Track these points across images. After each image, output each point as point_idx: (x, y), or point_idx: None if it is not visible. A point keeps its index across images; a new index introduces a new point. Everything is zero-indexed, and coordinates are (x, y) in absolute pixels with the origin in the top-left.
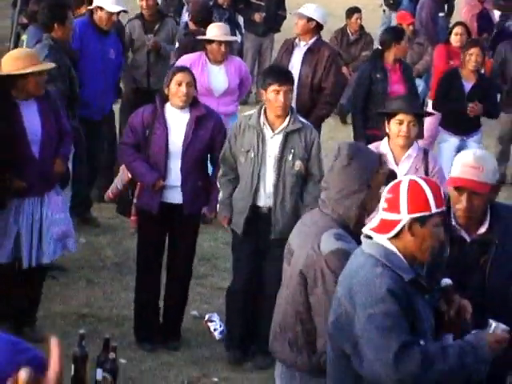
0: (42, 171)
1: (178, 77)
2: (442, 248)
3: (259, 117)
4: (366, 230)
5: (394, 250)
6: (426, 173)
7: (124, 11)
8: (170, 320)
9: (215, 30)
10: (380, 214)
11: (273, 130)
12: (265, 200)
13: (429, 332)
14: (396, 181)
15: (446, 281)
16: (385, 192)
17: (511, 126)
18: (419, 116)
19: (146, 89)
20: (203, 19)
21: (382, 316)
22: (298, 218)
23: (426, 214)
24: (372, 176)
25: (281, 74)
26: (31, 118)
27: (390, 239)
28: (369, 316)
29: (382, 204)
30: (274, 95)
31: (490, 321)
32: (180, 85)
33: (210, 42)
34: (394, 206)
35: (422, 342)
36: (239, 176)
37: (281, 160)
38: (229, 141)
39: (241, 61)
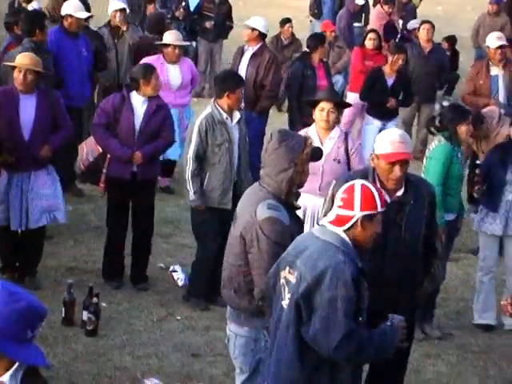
0: (29, 152)
1: (157, 74)
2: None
3: (220, 113)
4: (323, 222)
5: (348, 240)
6: (346, 150)
7: (90, 17)
8: (138, 267)
9: (170, 37)
10: (335, 210)
11: (231, 121)
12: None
13: (365, 310)
14: (350, 183)
15: None
16: (340, 193)
17: (412, 112)
18: (338, 105)
19: (117, 81)
20: (157, 29)
21: (341, 300)
22: None
23: (374, 212)
24: (298, 156)
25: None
26: (27, 108)
27: (344, 231)
28: (332, 297)
29: (338, 202)
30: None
31: (390, 315)
32: (157, 79)
33: (167, 45)
34: (348, 205)
35: (360, 319)
36: (211, 165)
37: (244, 143)
38: (200, 138)
39: (191, 61)
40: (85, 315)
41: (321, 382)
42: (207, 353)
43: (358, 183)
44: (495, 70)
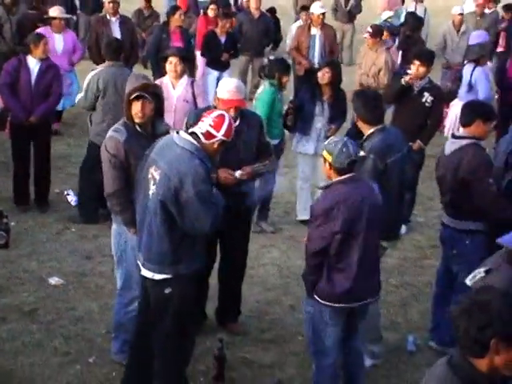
0: None
1: (45, 40)
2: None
3: None
4: (195, 129)
5: (199, 146)
6: (193, 93)
7: None
8: (41, 193)
9: (56, 11)
10: (207, 127)
11: None
12: None
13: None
14: (221, 112)
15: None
16: (213, 115)
17: (247, 64)
18: (183, 58)
19: (13, 49)
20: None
21: (205, 193)
22: None
23: (227, 139)
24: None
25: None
26: None
27: (200, 140)
28: (197, 191)
29: (210, 121)
30: None
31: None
32: (46, 44)
33: (54, 18)
34: (217, 127)
35: (214, 190)
36: None
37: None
38: None
39: (73, 32)
40: None
41: (185, 247)
42: (97, 255)
43: (227, 115)
44: (314, 31)
